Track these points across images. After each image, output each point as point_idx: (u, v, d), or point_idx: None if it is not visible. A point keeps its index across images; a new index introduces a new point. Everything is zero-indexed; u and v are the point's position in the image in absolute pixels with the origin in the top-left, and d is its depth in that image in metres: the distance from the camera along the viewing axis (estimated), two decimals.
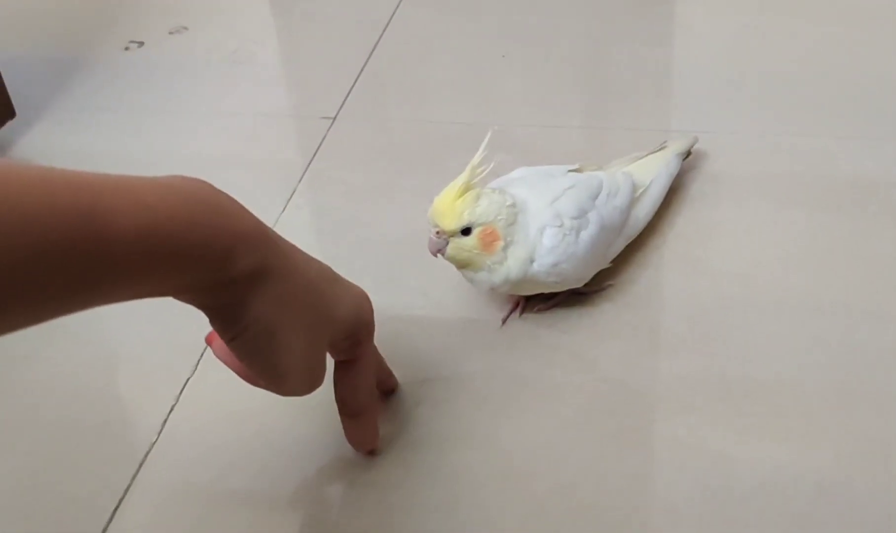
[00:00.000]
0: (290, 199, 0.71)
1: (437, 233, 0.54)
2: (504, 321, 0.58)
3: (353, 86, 0.85)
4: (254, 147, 0.78)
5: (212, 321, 0.40)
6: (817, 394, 0.52)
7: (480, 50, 0.90)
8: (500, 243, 0.54)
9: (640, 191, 0.62)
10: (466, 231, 0.53)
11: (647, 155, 0.66)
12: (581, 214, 0.56)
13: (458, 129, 0.77)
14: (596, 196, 0.58)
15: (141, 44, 0.96)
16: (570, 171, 0.60)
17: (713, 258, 0.62)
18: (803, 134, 0.73)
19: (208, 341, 0.45)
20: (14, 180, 0.31)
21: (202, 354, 0.57)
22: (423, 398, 0.53)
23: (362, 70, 0.88)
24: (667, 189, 0.64)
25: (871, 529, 0.45)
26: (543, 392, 0.53)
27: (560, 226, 0.55)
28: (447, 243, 0.54)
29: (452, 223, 0.53)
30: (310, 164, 0.75)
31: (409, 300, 0.60)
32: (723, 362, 0.54)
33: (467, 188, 0.53)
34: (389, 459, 0.50)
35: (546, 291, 0.58)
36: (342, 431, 0.49)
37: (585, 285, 0.59)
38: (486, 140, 0.53)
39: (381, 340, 0.50)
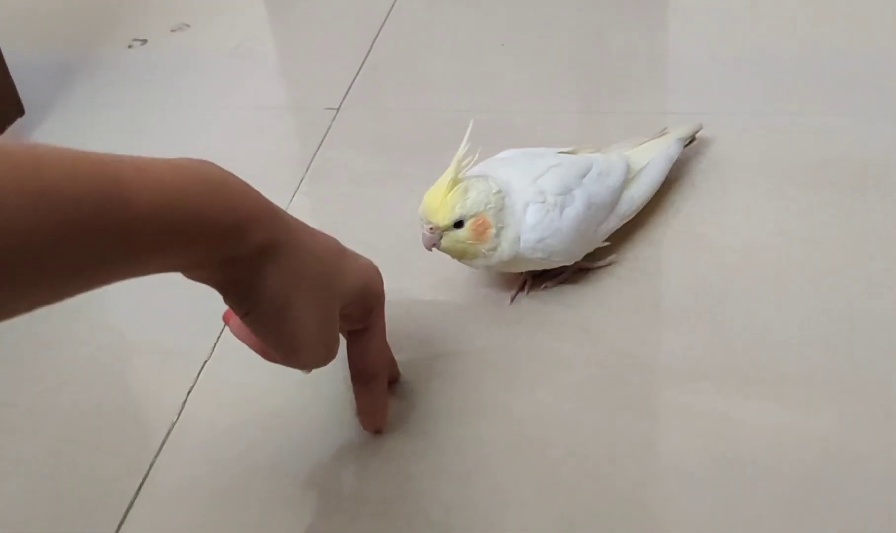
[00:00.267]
0: (298, 187, 0.72)
1: (431, 229, 0.54)
2: (512, 299, 0.59)
3: (355, 77, 0.86)
4: (260, 140, 0.79)
5: (225, 298, 0.41)
6: (819, 360, 0.53)
7: (479, 39, 0.91)
8: (492, 230, 0.54)
9: (637, 172, 0.62)
10: (459, 224, 0.54)
11: (648, 140, 0.66)
12: (566, 191, 0.57)
13: (459, 117, 0.78)
14: (584, 175, 0.58)
15: (144, 42, 0.97)
16: (560, 152, 0.61)
17: (714, 234, 0.63)
18: (800, 113, 0.74)
19: (225, 319, 0.46)
20: (46, 162, 0.32)
21: (218, 337, 0.58)
22: (437, 372, 0.55)
23: (364, 61, 0.89)
24: (666, 172, 0.65)
25: (875, 488, 0.46)
26: (553, 364, 0.54)
27: (543, 202, 0.56)
28: (441, 237, 0.55)
29: (445, 218, 0.54)
30: (316, 152, 0.76)
31: (418, 280, 0.61)
32: (726, 333, 0.55)
33: (455, 182, 0.54)
34: (407, 429, 0.51)
35: (537, 267, 0.58)
36: None
37: (589, 261, 0.60)
38: (468, 132, 0.53)
39: (392, 318, 0.51)
